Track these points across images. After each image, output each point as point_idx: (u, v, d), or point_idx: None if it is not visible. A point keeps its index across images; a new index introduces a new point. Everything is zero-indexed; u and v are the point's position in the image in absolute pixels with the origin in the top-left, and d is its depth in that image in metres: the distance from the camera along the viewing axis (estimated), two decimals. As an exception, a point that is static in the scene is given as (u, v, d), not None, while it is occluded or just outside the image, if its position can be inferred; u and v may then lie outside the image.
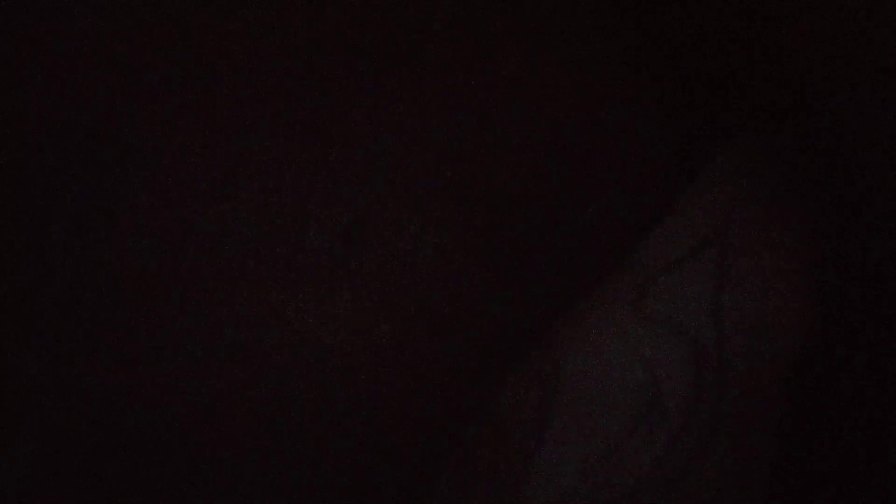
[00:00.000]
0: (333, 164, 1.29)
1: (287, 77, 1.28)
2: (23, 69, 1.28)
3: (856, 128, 1.20)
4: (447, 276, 1.20)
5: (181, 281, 1.28)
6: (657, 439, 1.09)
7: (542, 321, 1.17)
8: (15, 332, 1.27)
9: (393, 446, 1.26)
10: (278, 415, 1.27)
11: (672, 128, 1.25)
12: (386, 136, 1.28)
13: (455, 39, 1.28)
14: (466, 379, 1.21)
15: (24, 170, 1.28)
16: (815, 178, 1.19)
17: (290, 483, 1.27)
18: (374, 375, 1.27)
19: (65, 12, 1.28)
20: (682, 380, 1.10)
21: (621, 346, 1.11)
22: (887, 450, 1.18)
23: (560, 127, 1.26)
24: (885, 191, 1.19)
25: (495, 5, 1.29)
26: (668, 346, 1.11)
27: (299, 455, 1.27)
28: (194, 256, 1.28)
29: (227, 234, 1.28)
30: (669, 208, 1.15)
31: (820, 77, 1.24)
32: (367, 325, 1.27)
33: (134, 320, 1.27)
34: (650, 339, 1.11)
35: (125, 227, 1.28)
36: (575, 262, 1.20)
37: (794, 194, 1.15)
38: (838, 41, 1.25)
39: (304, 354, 1.27)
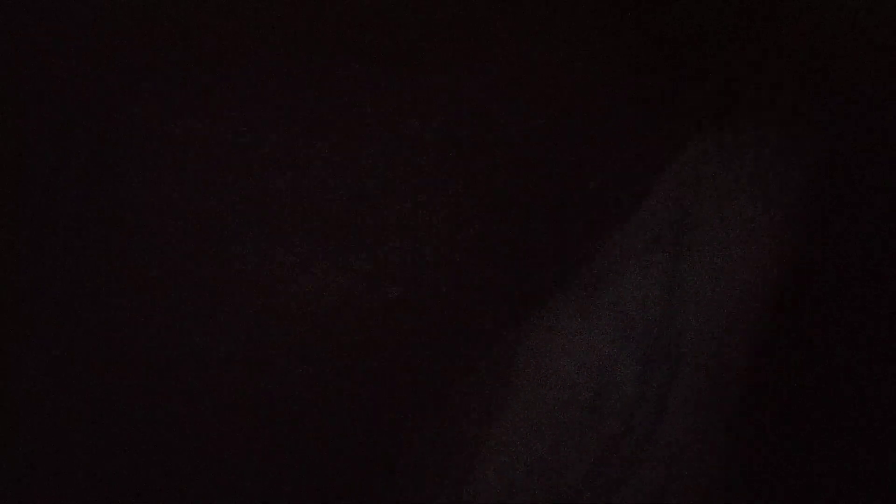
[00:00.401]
0: (333, 165, 1.29)
1: (287, 76, 1.28)
2: (23, 69, 1.28)
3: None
4: (447, 275, 1.20)
5: (182, 281, 1.28)
6: (609, 427, 1.09)
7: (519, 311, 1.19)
8: (15, 332, 1.27)
9: (393, 444, 1.26)
10: (279, 415, 1.27)
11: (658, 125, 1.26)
12: (386, 135, 1.28)
13: (455, 39, 1.28)
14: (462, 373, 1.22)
15: (24, 170, 1.28)
16: (779, 176, 1.21)
17: (291, 484, 1.27)
18: (374, 377, 1.27)
19: (65, 12, 1.28)
20: (633, 370, 1.12)
21: (578, 336, 1.13)
22: (845, 432, 1.21)
23: (558, 126, 1.27)
24: (862, 184, 1.21)
25: (495, 5, 1.29)
26: (622, 337, 1.12)
27: (300, 455, 1.27)
28: (195, 256, 1.28)
29: (228, 234, 1.28)
30: (630, 203, 1.16)
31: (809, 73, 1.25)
32: (369, 325, 1.27)
33: (134, 320, 1.27)
34: (606, 330, 1.13)
35: (126, 227, 1.28)
36: (566, 257, 1.21)
37: (753, 191, 1.17)
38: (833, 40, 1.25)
39: (305, 355, 1.27)
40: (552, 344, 1.11)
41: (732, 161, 1.19)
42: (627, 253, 1.13)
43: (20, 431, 1.26)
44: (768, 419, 1.18)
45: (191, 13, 1.28)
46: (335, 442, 1.24)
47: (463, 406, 1.14)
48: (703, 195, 1.16)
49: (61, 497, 1.26)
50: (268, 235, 1.28)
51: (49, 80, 1.28)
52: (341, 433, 1.23)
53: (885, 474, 1.19)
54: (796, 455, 1.19)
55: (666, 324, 1.11)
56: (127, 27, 1.28)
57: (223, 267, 1.28)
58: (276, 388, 1.27)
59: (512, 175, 1.28)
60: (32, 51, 1.28)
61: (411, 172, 1.27)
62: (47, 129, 1.28)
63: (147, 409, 1.26)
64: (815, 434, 1.19)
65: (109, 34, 1.28)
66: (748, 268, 1.15)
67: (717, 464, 1.13)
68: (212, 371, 1.27)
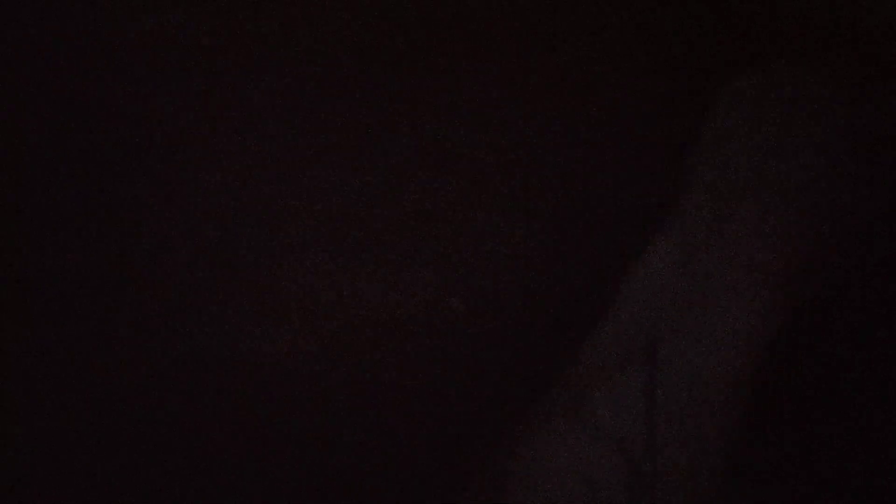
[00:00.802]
0: (334, 166, 1.29)
1: (299, 79, 1.28)
2: (25, 69, 1.28)
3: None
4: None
5: (182, 282, 1.28)
6: None
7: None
8: (15, 332, 1.27)
9: (405, 447, 1.26)
10: (280, 416, 1.27)
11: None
12: (398, 136, 1.28)
13: (464, 41, 1.28)
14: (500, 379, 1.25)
15: (25, 170, 1.28)
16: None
17: (291, 484, 1.27)
18: (377, 380, 1.27)
19: (68, 12, 1.28)
20: (618, 487, 1.17)
21: (562, 457, 1.18)
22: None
23: (578, 126, 1.28)
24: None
25: (504, 9, 1.29)
26: (604, 453, 1.18)
27: (300, 456, 1.27)
28: (198, 257, 1.28)
29: (231, 235, 1.28)
30: (603, 315, 1.23)
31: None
32: (374, 336, 1.28)
33: (134, 321, 1.27)
34: (588, 448, 1.18)
35: (126, 227, 1.28)
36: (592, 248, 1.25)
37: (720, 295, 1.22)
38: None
39: (307, 357, 1.27)
40: (542, 467, 1.18)
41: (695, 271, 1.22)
42: (602, 372, 1.20)
43: (20, 431, 1.26)
44: None
45: (196, 16, 1.28)
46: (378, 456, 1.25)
47: None
48: (665, 307, 1.21)
49: (61, 497, 1.26)
50: (274, 236, 1.28)
51: (54, 81, 1.28)
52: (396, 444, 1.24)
53: None
54: None
55: (642, 442, 1.18)
56: (133, 27, 1.28)
57: (225, 268, 1.28)
58: (283, 391, 1.27)
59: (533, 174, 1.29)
60: (35, 51, 1.28)
61: (409, 175, 1.27)
62: (50, 129, 1.28)
63: (147, 410, 1.26)
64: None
65: (117, 35, 1.28)
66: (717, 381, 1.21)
67: None
68: (214, 372, 1.27)
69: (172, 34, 1.28)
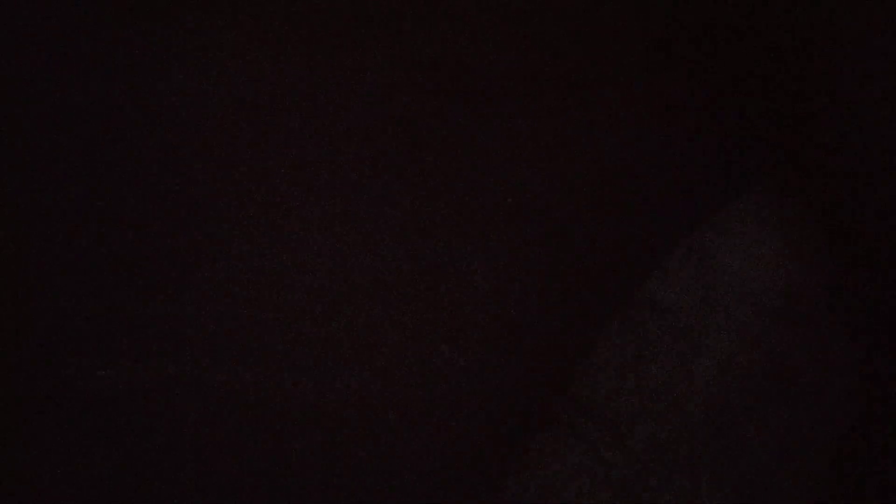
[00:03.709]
0: (332, 167, 1.29)
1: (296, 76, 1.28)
2: (25, 69, 1.28)
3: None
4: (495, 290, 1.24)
5: (185, 282, 1.28)
6: (787, 334, 1.26)
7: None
8: (15, 332, 1.27)
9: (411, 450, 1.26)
10: (281, 416, 1.27)
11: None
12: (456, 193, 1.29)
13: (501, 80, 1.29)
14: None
15: (26, 170, 1.28)
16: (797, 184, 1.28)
17: (292, 484, 1.27)
18: (381, 381, 1.27)
19: (68, 13, 1.28)
20: (810, 290, 1.27)
21: (767, 254, 1.29)
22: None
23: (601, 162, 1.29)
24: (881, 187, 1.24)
25: (540, 51, 1.30)
26: (802, 262, 1.28)
27: (300, 458, 1.27)
28: (199, 257, 1.28)
29: (233, 236, 1.28)
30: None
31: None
32: (380, 334, 1.28)
33: (136, 321, 1.27)
34: (788, 253, 1.29)
35: (129, 227, 1.28)
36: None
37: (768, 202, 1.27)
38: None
39: (311, 358, 1.27)
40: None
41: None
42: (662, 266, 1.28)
43: (20, 431, 1.26)
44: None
45: (188, 16, 1.28)
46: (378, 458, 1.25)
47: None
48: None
49: (61, 497, 1.26)
50: (274, 240, 1.28)
51: (57, 81, 1.28)
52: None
53: None
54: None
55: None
56: (130, 29, 1.28)
57: (226, 268, 1.28)
58: (283, 392, 1.27)
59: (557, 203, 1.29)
60: (39, 52, 1.28)
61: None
62: (51, 129, 1.28)
63: (149, 410, 1.26)
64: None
65: (111, 35, 1.28)
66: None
67: None
68: (216, 373, 1.27)
69: (174, 34, 1.29)
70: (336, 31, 1.30)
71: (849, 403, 1.26)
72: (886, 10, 1.24)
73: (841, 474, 1.25)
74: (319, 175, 1.30)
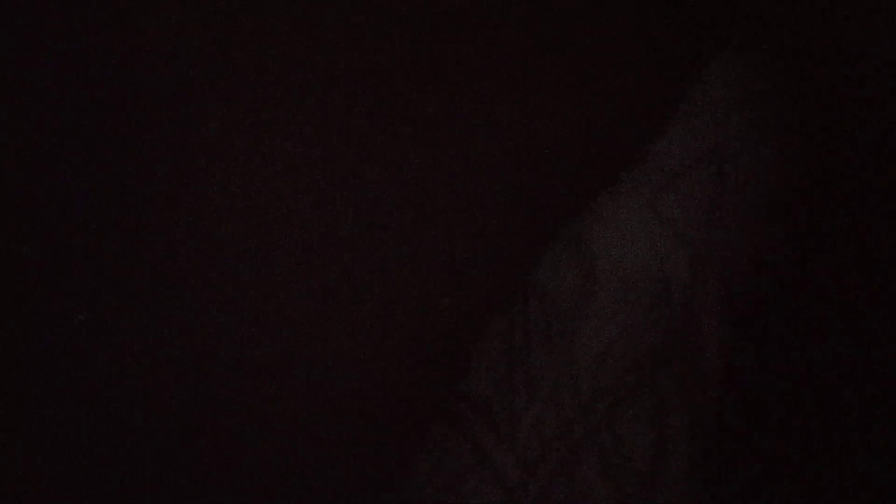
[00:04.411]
0: (333, 170, 1.30)
1: (302, 83, 1.29)
2: (25, 69, 1.28)
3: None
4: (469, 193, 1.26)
5: (184, 283, 1.28)
6: (661, 322, 1.28)
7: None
8: (15, 332, 1.27)
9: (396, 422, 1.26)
10: (281, 417, 1.27)
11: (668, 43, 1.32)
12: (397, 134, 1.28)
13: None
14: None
15: (26, 170, 1.28)
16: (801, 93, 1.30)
17: (291, 484, 1.27)
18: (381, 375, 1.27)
19: (69, 12, 1.28)
20: (682, 278, 1.28)
21: (642, 240, 1.29)
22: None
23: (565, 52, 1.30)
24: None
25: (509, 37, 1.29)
26: (674, 246, 1.30)
27: (300, 457, 1.27)
28: (199, 258, 1.28)
29: (232, 236, 1.28)
30: (672, 117, 1.32)
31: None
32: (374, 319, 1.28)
33: (136, 321, 1.27)
34: (662, 238, 1.29)
35: (129, 227, 1.28)
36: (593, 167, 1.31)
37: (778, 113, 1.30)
38: None
39: (308, 359, 1.27)
40: (625, 245, 1.29)
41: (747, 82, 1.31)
42: (675, 171, 1.32)
43: (20, 431, 1.26)
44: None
45: (191, 19, 1.28)
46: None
47: (561, 287, 1.30)
48: (729, 119, 1.29)
49: (61, 497, 1.26)
50: (272, 240, 1.28)
51: (60, 81, 1.28)
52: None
53: None
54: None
55: (704, 241, 1.29)
56: (144, 29, 1.28)
57: (227, 269, 1.28)
58: (285, 392, 1.27)
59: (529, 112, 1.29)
60: (42, 52, 1.28)
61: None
62: (52, 129, 1.28)
63: (148, 410, 1.26)
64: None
65: (112, 35, 1.28)
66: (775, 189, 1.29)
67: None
68: (215, 373, 1.27)
69: (174, 34, 1.29)
70: (336, 31, 1.31)
71: (717, 392, 1.28)
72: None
73: (707, 470, 1.26)
74: (318, 175, 1.30)
